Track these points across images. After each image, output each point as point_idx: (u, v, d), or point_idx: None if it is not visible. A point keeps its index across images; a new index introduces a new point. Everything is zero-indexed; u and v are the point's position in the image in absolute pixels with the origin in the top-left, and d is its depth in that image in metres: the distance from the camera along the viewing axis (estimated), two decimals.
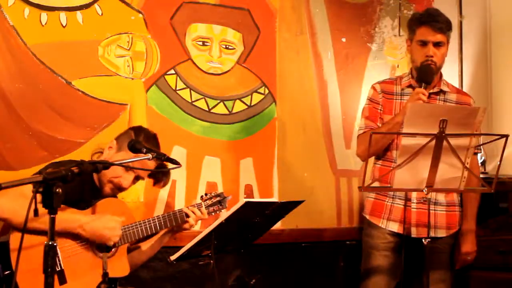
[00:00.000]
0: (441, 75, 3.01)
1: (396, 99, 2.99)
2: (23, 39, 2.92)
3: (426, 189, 2.51)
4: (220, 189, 3.35)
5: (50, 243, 1.78)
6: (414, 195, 2.88)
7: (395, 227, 2.92)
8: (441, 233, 2.91)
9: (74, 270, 2.30)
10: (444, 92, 2.98)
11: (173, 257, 2.55)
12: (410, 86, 2.97)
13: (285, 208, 2.75)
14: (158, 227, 2.53)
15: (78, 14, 3.05)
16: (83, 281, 2.31)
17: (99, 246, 2.37)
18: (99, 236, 2.31)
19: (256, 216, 2.61)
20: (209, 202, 2.67)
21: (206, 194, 2.70)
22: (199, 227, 3.28)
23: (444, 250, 2.92)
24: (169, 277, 3.21)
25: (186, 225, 2.61)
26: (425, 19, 2.91)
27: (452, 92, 3.02)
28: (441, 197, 2.90)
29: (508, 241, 3.21)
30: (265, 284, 3.43)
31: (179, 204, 3.19)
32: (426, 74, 2.82)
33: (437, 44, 2.88)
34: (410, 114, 2.44)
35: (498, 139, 2.49)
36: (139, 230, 2.47)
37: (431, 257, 2.80)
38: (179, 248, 2.56)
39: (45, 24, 2.98)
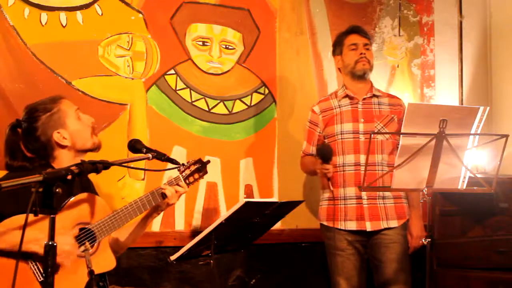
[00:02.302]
0: (371, 82, 3.21)
1: (335, 112, 3.15)
2: (23, 39, 2.92)
3: (426, 189, 2.52)
4: (220, 190, 3.36)
5: (50, 243, 1.78)
6: (363, 192, 3.04)
7: (353, 225, 3.03)
8: (393, 224, 3.04)
9: (57, 273, 2.17)
10: (377, 96, 3.17)
11: (173, 257, 2.55)
12: (346, 96, 3.15)
13: (285, 208, 2.75)
14: (138, 212, 2.41)
15: (78, 14, 3.05)
16: (69, 283, 2.22)
17: (81, 244, 2.29)
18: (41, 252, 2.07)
19: (256, 216, 2.61)
20: (187, 172, 2.53)
21: (183, 164, 2.54)
22: (199, 227, 3.28)
23: (398, 240, 3.05)
24: (169, 277, 3.21)
25: (164, 201, 2.46)
26: (351, 29, 3.23)
27: (383, 97, 3.19)
28: (387, 192, 3.06)
29: (508, 241, 3.21)
30: (265, 284, 3.43)
31: (179, 204, 3.18)
32: (325, 153, 2.96)
33: (365, 46, 3.17)
34: (410, 114, 2.44)
35: (498, 139, 2.48)
36: (118, 220, 2.36)
37: (388, 249, 3.03)
38: (179, 248, 2.56)
39: (45, 24, 2.98)
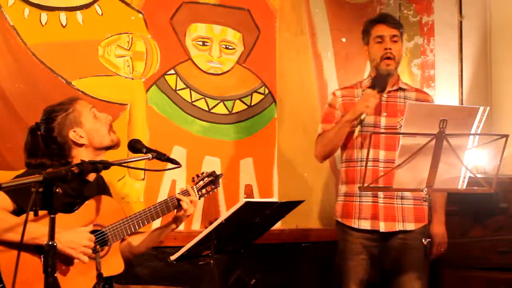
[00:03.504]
0: (398, 75, 3.09)
1: (357, 99, 3.00)
2: (23, 39, 2.92)
3: (426, 189, 2.51)
4: (220, 190, 3.35)
5: (50, 243, 1.78)
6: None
7: (367, 224, 2.93)
8: (410, 227, 2.91)
9: (67, 274, 2.24)
10: (403, 90, 3.04)
11: (173, 257, 2.55)
12: (370, 87, 2.97)
13: (285, 208, 2.75)
14: (151, 219, 2.45)
15: (78, 14, 3.05)
16: (77, 284, 2.25)
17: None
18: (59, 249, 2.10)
19: (256, 216, 2.61)
20: (201, 183, 2.58)
21: (197, 176, 2.60)
22: (199, 227, 3.29)
23: (415, 246, 2.86)
24: (169, 277, 3.21)
25: (181, 213, 2.51)
26: (378, 18, 3.07)
27: (411, 90, 3.08)
28: (407, 192, 2.90)
29: (508, 241, 3.21)
30: (265, 284, 3.43)
31: None
32: (381, 82, 2.88)
33: (392, 39, 2.99)
34: (410, 114, 2.44)
35: (498, 139, 2.48)
36: (131, 226, 2.39)
37: (404, 254, 2.90)
38: (179, 248, 2.56)
39: (45, 24, 2.98)
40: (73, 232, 2.24)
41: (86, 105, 2.47)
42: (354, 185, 2.96)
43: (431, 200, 2.55)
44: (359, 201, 2.96)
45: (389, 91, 2.99)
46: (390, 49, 2.96)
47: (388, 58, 2.96)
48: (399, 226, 2.90)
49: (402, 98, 3.02)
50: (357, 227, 2.95)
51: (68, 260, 2.24)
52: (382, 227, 2.91)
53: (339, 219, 3.04)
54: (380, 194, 2.92)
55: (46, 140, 2.41)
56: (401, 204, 2.92)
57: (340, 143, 3.00)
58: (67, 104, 2.44)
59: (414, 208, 2.94)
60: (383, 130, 2.95)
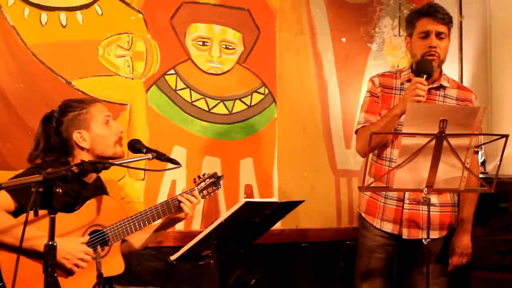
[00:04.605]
0: (441, 70, 2.92)
1: (395, 94, 2.92)
2: (23, 39, 2.92)
3: (426, 189, 2.51)
4: (220, 190, 3.34)
5: (50, 243, 1.78)
6: (406, 195, 2.84)
7: (389, 227, 2.88)
8: (434, 235, 2.81)
9: (67, 274, 2.25)
10: (444, 88, 2.90)
11: (173, 257, 2.55)
12: (409, 80, 2.84)
13: (285, 208, 2.75)
14: (151, 220, 2.45)
15: (78, 14, 3.05)
16: (77, 284, 2.26)
17: (93, 247, 2.33)
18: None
19: (256, 216, 2.61)
20: (202, 185, 2.58)
21: (199, 177, 2.60)
22: (199, 227, 3.29)
23: (436, 252, 2.84)
24: (169, 277, 3.21)
25: (182, 215, 2.52)
26: (426, 10, 2.84)
27: (452, 88, 2.94)
28: (433, 198, 2.78)
29: (508, 241, 3.22)
30: (265, 284, 3.43)
31: None
32: (425, 66, 2.72)
33: (439, 36, 2.80)
34: (410, 114, 2.44)
35: (498, 139, 2.48)
36: (132, 226, 2.40)
37: (422, 259, 2.75)
38: (179, 248, 2.56)
39: (45, 24, 2.98)
40: (70, 242, 2.24)
41: (102, 111, 2.48)
42: (383, 184, 2.83)
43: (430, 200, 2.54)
44: (384, 202, 2.89)
45: (429, 89, 2.80)
46: (434, 47, 2.77)
47: (431, 55, 2.77)
48: (422, 234, 2.75)
49: (441, 97, 2.88)
50: (379, 227, 2.90)
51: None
52: (405, 234, 2.83)
53: (363, 214, 2.99)
54: (406, 199, 2.83)
55: (54, 132, 2.42)
56: (427, 210, 2.70)
57: (386, 139, 2.83)
58: (84, 104, 2.46)
59: (439, 215, 2.85)
60: None
